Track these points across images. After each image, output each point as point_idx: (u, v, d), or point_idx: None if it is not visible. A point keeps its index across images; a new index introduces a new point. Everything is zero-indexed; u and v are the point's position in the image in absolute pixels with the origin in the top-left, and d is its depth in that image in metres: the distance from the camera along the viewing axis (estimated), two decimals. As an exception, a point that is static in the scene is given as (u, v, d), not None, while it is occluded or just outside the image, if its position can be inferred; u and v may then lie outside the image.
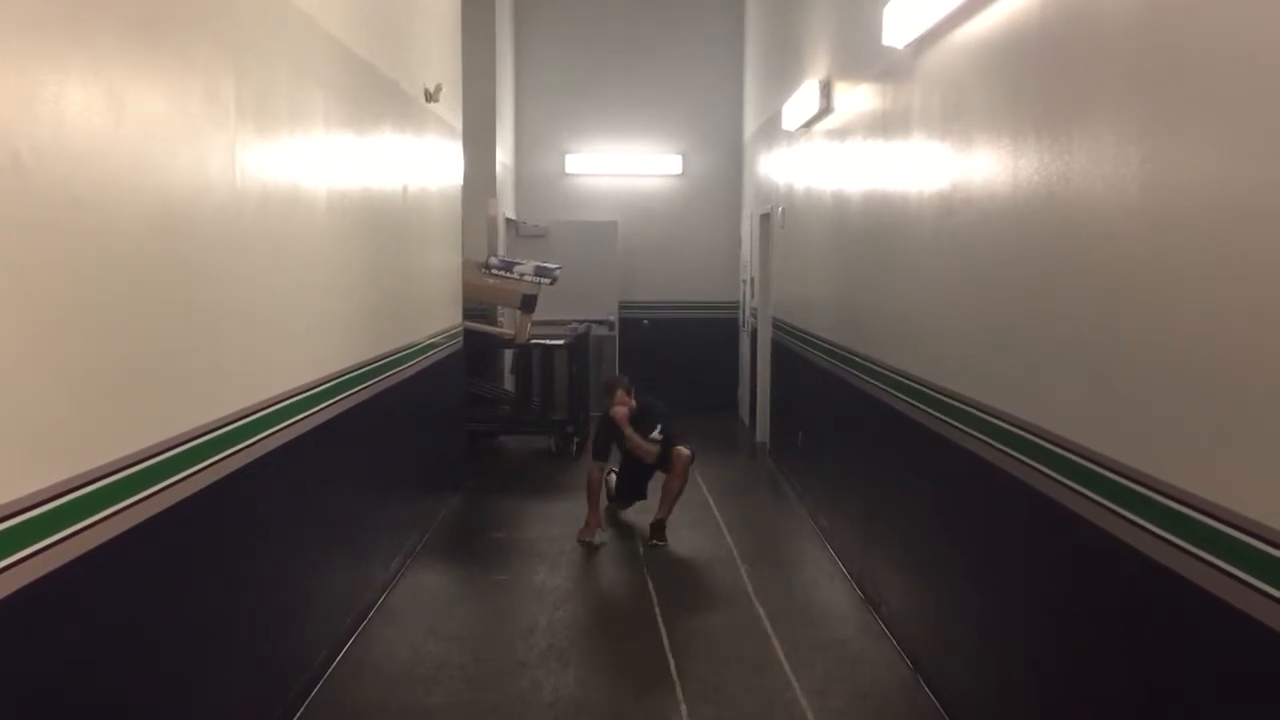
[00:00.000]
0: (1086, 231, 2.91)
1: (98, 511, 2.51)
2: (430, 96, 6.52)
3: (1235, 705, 2.23)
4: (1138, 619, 2.66)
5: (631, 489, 7.10)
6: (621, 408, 6.80)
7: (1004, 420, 3.47)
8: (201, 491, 3.08)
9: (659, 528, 6.59)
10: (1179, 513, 2.38)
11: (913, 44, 4.61)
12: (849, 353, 5.91)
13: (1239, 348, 2.18)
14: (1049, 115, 3.17)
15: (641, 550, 6.46)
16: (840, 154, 6.33)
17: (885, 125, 5.23)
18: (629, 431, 6.73)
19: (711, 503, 7.60)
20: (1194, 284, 2.36)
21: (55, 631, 2.40)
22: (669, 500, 6.67)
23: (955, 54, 4.10)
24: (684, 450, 6.71)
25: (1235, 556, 2.17)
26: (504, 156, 10.63)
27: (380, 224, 5.44)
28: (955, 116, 4.12)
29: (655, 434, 6.71)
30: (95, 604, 2.58)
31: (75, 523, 2.42)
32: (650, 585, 5.77)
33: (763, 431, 9.84)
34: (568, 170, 11.98)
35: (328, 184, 4.46)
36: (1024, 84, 3.41)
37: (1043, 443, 3.14)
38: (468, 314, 8.35)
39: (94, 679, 2.59)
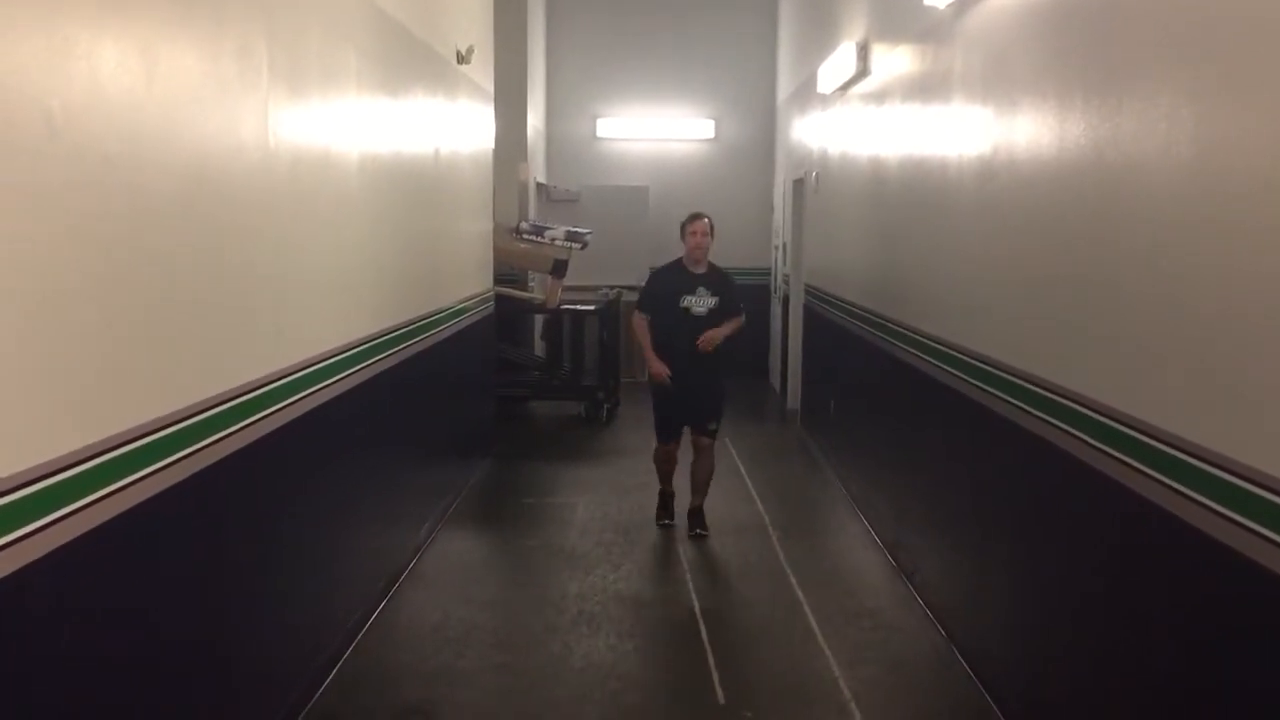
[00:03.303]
0: (1136, 195, 2.83)
1: (128, 475, 2.51)
2: (462, 58, 6.46)
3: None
4: (1180, 588, 2.60)
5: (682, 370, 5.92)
6: (709, 340, 5.85)
7: (1045, 387, 3.41)
8: (232, 455, 3.08)
9: (697, 515, 6.07)
10: (1227, 482, 2.32)
11: (955, 3, 4.51)
12: (884, 319, 5.84)
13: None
14: (1097, 76, 3.08)
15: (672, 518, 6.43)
16: (877, 118, 6.23)
17: (924, 88, 5.13)
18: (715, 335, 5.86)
19: (743, 470, 7.57)
20: (1249, 250, 2.28)
21: (92, 589, 2.40)
22: (700, 486, 6.10)
23: (998, 13, 4.00)
24: (705, 439, 6.05)
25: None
26: (535, 120, 10.56)
27: (411, 187, 5.41)
28: (998, 78, 4.02)
29: (741, 313, 6.01)
30: (132, 564, 2.58)
31: (107, 485, 2.41)
32: (682, 552, 5.75)
33: (794, 399, 9.78)
34: (599, 134, 11.89)
35: (359, 146, 4.42)
36: (1071, 43, 3.31)
37: (1086, 410, 3.07)
38: (498, 279, 8.32)
39: (129, 638, 2.60)
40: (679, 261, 6.05)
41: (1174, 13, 2.66)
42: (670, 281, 6.03)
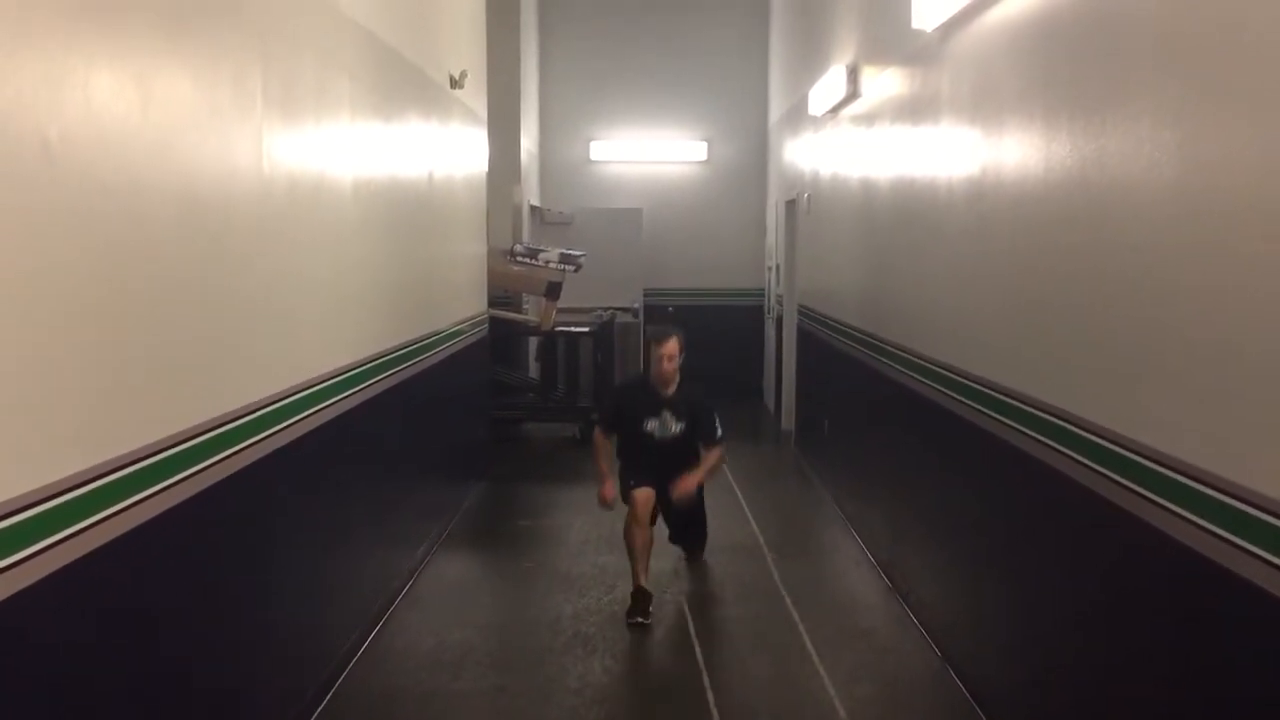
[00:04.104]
0: (1121, 215, 2.86)
1: (126, 498, 2.52)
2: (455, 83, 6.51)
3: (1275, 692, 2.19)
4: (1175, 609, 2.62)
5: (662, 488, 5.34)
6: (689, 483, 5.23)
7: (1035, 407, 3.43)
8: (228, 479, 3.09)
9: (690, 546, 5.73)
10: (1220, 501, 2.33)
11: (942, 27, 4.56)
12: (876, 339, 5.87)
13: (1281, 333, 2.14)
14: (1082, 98, 3.12)
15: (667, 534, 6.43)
16: (868, 139, 6.28)
17: (914, 110, 5.17)
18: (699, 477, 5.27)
19: (738, 491, 7.57)
20: (1236, 271, 2.31)
21: (89, 613, 2.41)
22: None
23: (986, 36, 4.04)
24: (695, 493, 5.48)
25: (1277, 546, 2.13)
26: (528, 143, 10.61)
27: (406, 211, 5.44)
28: (985, 100, 4.06)
29: (718, 433, 5.39)
30: (127, 587, 2.58)
31: (105, 508, 2.42)
32: (676, 573, 5.75)
33: (788, 419, 9.80)
34: (592, 157, 11.95)
35: (354, 171, 4.45)
36: (1056, 66, 3.35)
37: (1075, 429, 3.10)
38: (493, 301, 8.35)
39: (123, 662, 2.60)
40: (646, 378, 5.40)
41: (1157, 33, 2.70)
42: (633, 402, 5.43)
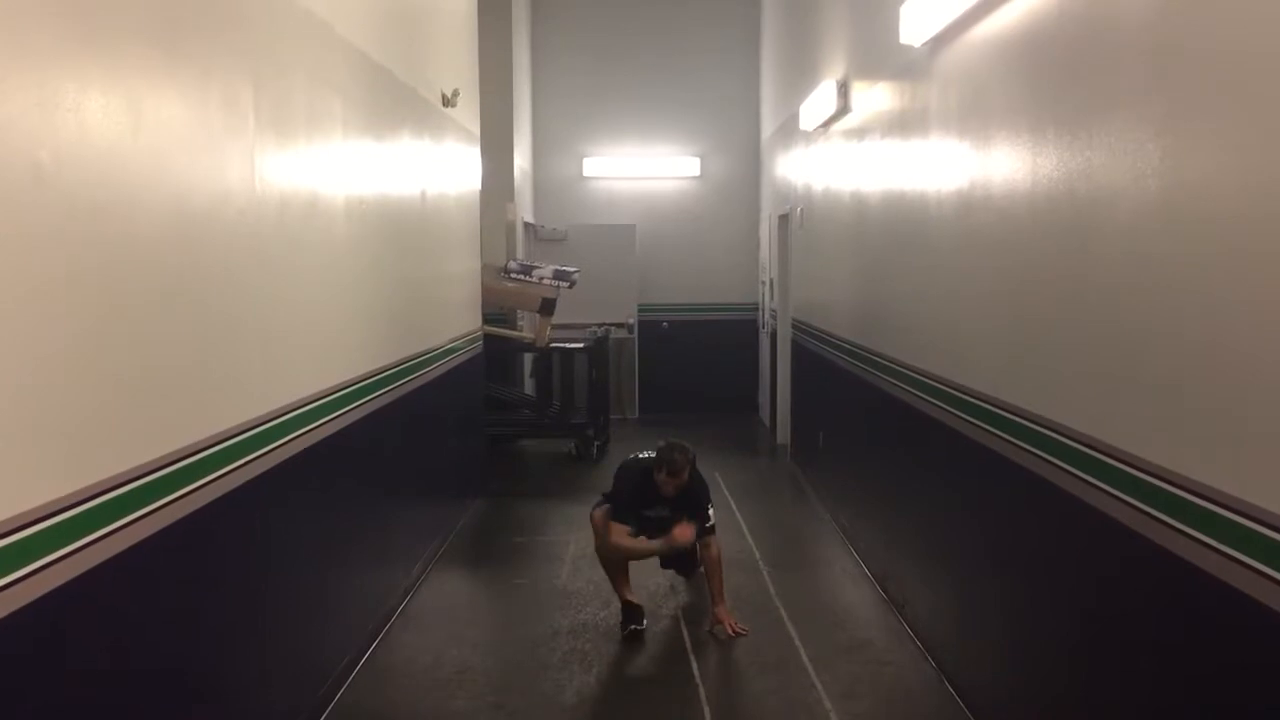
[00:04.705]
0: (1109, 228, 2.88)
1: (119, 518, 2.52)
2: (448, 101, 6.54)
3: (1272, 707, 2.20)
4: (1169, 622, 2.62)
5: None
6: (686, 532, 5.19)
7: (1027, 419, 3.44)
8: (221, 499, 3.09)
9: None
10: (1210, 512, 2.34)
11: (930, 42, 4.59)
12: (870, 353, 5.89)
13: (1268, 343, 2.15)
14: (1069, 112, 3.15)
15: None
16: (859, 154, 6.31)
17: (903, 124, 5.20)
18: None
19: (733, 505, 7.57)
20: (1220, 280, 2.33)
21: (82, 634, 2.41)
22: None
23: (973, 51, 4.07)
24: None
25: (1268, 554, 2.14)
26: (522, 160, 10.64)
27: (399, 230, 5.46)
28: (973, 114, 4.09)
29: (710, 522, 5.30)
30: (116, 611, 2.59)
31: (95, 530, 2.42)
32: (672, 587, 5.75)
33: (783, 433, 9.81)
34: (585, 173, 11.98)
35: (346, 190, 4.47)
36: (1043, 81, 3.38)
37: (1068, 441, 3.11)
38: (487, 318, 8.36)
39: (116, 687, 2.60)
40: (650, 472, 5.22)
41: (1143, 47, 2.72)
42: (637, 492, 5.30)
